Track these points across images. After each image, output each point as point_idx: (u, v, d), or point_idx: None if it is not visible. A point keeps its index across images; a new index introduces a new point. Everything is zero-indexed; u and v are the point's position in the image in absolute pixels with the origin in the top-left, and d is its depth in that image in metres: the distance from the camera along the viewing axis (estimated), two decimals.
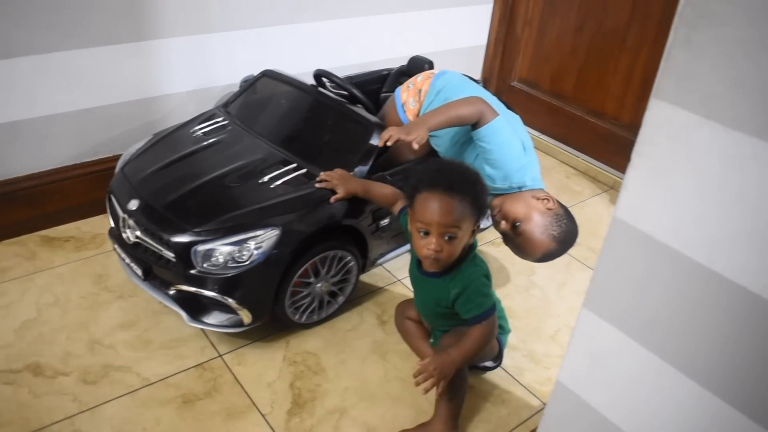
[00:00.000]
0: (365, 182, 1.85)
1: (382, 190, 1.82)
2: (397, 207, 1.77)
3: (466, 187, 1.50)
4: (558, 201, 1.94)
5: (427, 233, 1.51)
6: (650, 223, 1.02)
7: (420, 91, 2.19)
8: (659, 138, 0.95)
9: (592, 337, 1.21)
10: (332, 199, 1.79)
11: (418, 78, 2.25)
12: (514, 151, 1.92)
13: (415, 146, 1.81)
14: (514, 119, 2.09)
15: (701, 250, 0.96)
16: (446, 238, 1.50)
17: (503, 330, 1.82)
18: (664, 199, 0.98)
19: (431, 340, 1.79)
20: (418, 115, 2.19)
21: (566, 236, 1.90)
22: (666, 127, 0.93)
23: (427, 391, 1.49)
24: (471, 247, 1.61)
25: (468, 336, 1.56)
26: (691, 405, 1.06)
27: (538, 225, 1.86)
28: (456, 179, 1.50)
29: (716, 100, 0.87)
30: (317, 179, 1.83)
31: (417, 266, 1.67)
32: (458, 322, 1.63)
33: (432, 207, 1.48)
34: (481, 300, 1.56)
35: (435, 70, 2.29)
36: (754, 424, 0.97)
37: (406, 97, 2.23)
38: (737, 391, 0.99)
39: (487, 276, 1.60)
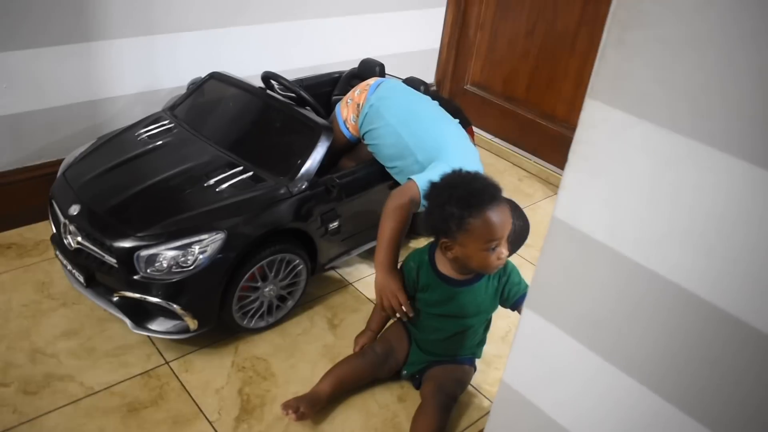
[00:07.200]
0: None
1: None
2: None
3: (499, 190, 1.60)
4: (508, 199, 1.96)
5: (495, 246, 1.57)
6: (587, 223, 1.02)
7: (358, 105, 2.16)
8: (595, 137, 0.96)
9: (534, 337, 1.22)
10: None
11: (356, 92, 2.21)
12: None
13: (405, 313, 1.76)
14: (456, 135, 2.07)
15: (637, 248, 0.97)
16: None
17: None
18: (601, 199, 0.99)
19: (404, 372, 1.79)
20: (358, 130, 2.16)
21: (516, 236, 1.92)
22: (601, 126, 0.94)
23: None
24: None
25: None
26: (631, 402, 1.07)
27: None
28: (491, 187, 1.58)
29: (648, 100, 0.88)
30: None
31: (446, 283, 1.68)
32: (461, 350, 1.75)
33: (497, 221, 1.55)
34: (522, 280, 1.72)
35: (371, 80, 2.23)
36: (690, 420, 0.98)
37: (347, 114, 2.19)
38: (675, 388, 0.99)
39: None
